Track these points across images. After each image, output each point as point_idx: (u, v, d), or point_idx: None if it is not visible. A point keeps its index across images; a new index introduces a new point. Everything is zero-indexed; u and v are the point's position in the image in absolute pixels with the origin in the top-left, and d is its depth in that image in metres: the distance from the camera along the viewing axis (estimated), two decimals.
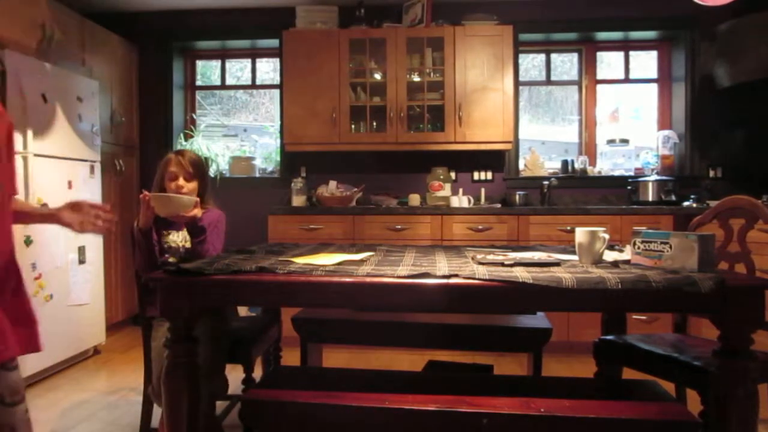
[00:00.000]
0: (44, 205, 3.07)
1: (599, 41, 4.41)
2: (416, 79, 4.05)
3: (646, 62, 4.52)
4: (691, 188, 4.03)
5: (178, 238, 2.17)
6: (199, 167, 2.22)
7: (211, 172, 4.29)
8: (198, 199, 2.03)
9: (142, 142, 4.49)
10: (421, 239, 3.64)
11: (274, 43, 4.42)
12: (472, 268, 1.65)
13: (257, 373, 2.28)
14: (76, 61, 3.63)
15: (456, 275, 1.55)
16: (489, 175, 4.26)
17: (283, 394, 1.69)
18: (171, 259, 2.14)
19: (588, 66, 4.42)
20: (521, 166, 4.35)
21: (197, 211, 2.00)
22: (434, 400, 1.60)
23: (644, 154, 4.34)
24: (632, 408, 1.57)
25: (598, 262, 1.76)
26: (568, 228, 3.52)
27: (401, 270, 1.63)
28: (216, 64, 4.81)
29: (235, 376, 2.29)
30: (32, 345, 1.34)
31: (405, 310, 2.40)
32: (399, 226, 3.67)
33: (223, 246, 2.26)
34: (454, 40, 3.89)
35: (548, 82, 4.54)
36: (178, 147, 4.44)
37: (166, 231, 2.17)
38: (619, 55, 4.50)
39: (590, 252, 1.75)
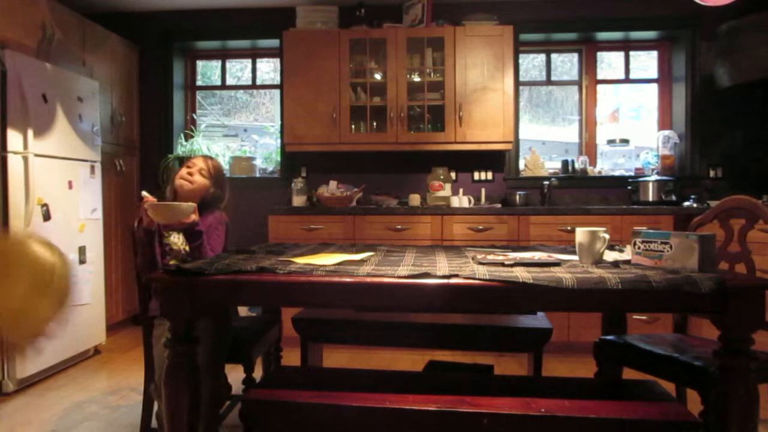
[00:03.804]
0: (44, 205, 3.07)
1: (599, 41, 4.41)
2: (416, 79, 4.05)
3: (646, 62, 4.52)
4: (691, 188, 4.03)
5: (179, 240, 2.17)
6: (218, 174, 2.25)
7: None
8: (195, 205, 2.01)
9: (143, 142, 4.49)
10: (421, 239, 3.65)
11: (274, 43, 4.43)
12: (473, 268, 1.65)
13: (257, 373, 2.28)
14: (77, 61, 3.63)
15: (456, 275, 1.55)
16: (489, 175, 4.26)
17: (283, 394, 1.69)
18: (172, 261, 2.13)
19: (588, 66, 4.42)
20: (521, 166, 4.35)
21: (195, 217, 1.98)
22: (435, 400, 1.60)
23: (644, 154, 4.34)
24: (632, 408, 1.57)
25: (599, 262, 1.76)
26: (569, 228, 3.53)
27: (401, 270, 1.63)
28: (216, 64, 4.81)
29: (235, 376, 2.29)
30: None
31: (405, 310, 2.40)
32: (399, 226, 3.67)
33: (224, 247, 2.26)
34: (454, 40, 3.89)
35: (548, 82, 4.54)
36: (179, 147, 4.45)
37: (167, 233, 2.17)
38: (619, 55, 4.50)
39: (590, 252, 1.75)
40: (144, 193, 1.99)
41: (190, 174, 2.20)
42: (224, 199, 2.31)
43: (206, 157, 2.28)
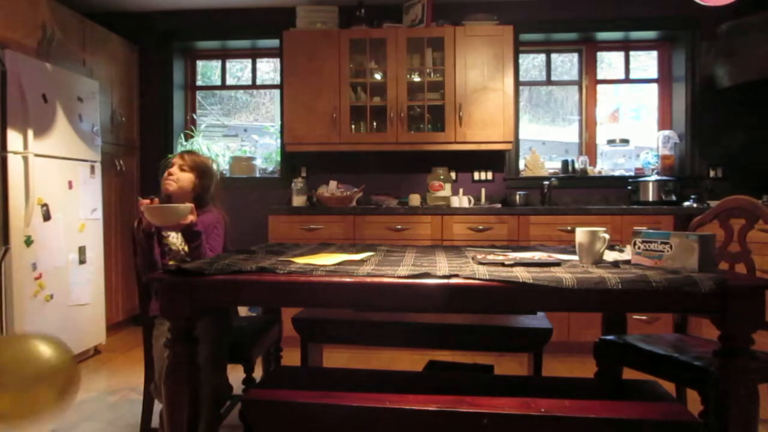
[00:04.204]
0: (44, 205, 3.07)
1: (599, 41, 4.41)
2: (416, 79, 4.05)
3: (646, 62, 4.52)
4: (691, 188, 4.03)
5: (178, 241, 2.17)
6: (197, 163, 2.25)
7: None
8: (192, 205, 2.00)
9: (143, 142, 4.49)
10: (421, 239, 3.65)
11: (274, 43, 4.43)
12: (473, 268, 1.65)
13: (257, 373, 2.28)
14: (77, 61, 3.63)
15: (456, 275, 1.55)
16: (489, 175, 4.26)
17: (283, 394, 1.69)
18: (171, 262, 2.13)
19: (588, 66, 4.42)
20: (521, 166, 4.35)
21: (192, 218, 1.98)
22: (434, 400, 1.60)
23: (644, 154, 4.34)
24: (632, 408, 1.57)
25: (599, 262, 1.76)
26: (569, 228, 3.53)
27: (401, 270, 1.63)
28: (216, 64, 4.81)
29: (235, 376, 2.29)
30: None
31: (405, 310, 2.40)
32: (399, 226, 3.67)
33: (224, 247, 2.26)
34: (454, 40, 3.89)
35: (548, 82, 4.54)
36: (179, 147, 4.45)
37: (165, 233, 2.17)
38: (619, 55, 4.50)
39: (590, 252, 1.75)
40: (140, 199, 1.99)
41: (171, 174, 2.20)
42: (211, 187, 2.29)
43: (182, 153, 2.28)
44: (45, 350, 1.34)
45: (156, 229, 2.06)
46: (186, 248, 2.10)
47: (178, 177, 2.20)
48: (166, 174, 2.21)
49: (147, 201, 1.95)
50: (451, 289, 1.53)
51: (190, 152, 2.31)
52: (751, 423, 1.45)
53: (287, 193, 4.20)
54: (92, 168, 3.55)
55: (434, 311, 2.34)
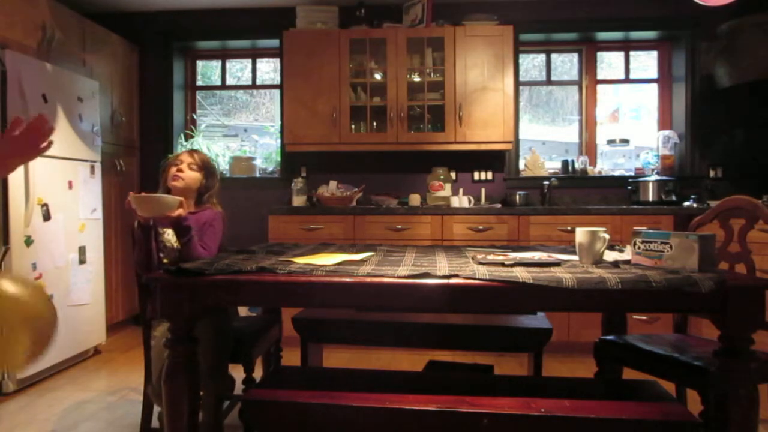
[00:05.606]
0: (44, 205, 3.07)
1: (599, 41, 4.41)
2: (416, 79, 4.05)
3: (646, 62, 4.52)
4: (691, 188, 4.03)
5: (173, 238, 2.16)
6: (207, 164, 2.28)
7: None
8: (182, 198, 2.00)
9: (143, 142, 4.49)
10: (421, 239, 3.65)
11: (274, 43, 4.43)
12: (473, 268, 1.65)
13: (257, 374, 2.28)
14: (77, 61, 3.63)
15: (456, 275, 1.55)
16: (489, 175, 4.26)
17: (283, 394, 1.69)
18: (165, 260, 2.13)
19: (588, 66, 4.42)
20: (521, 166, 4.35)
21: (181, 211, 1.97)
22: (435, 400, 1.60)
23: (644, 154, 4.34)
24: (632, 408, 1.57)
25: (599, 262, 1.76)
26: (569, 228, 3.53)
27: (401, 270, 1.63)
28: (216, 64, 4.81)
29: (235, 376, 2.29)
30: None
31: (405, 310, 2.41)
32: (399, 226, 3.67)
33: (221, 246, 2.25)
34: (454, 40, 3.89)
35: (548, 82, 4.54)
36: (179, 147, 4.44)
37: (161, 230, 2.17)
38: (619, 55, 4.50)
39: (590, 252, 1.75)
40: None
41: (180, 171, 2.20)
42: (213, 188, 2.31)
43: (191, 151, 2.29)
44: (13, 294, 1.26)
45: (153, 224, 2.06)
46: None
47: (188, 175, 2.21)
48: (174, 170, 2.21)
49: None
50: (451, 289, 1.52)
51: (197, 151, 2.32)
52: (751, 423, 1.45)
53: (287, 193, 4.20)
54: (92, 168, 3.55)
55: (434, 311, 2.34)
